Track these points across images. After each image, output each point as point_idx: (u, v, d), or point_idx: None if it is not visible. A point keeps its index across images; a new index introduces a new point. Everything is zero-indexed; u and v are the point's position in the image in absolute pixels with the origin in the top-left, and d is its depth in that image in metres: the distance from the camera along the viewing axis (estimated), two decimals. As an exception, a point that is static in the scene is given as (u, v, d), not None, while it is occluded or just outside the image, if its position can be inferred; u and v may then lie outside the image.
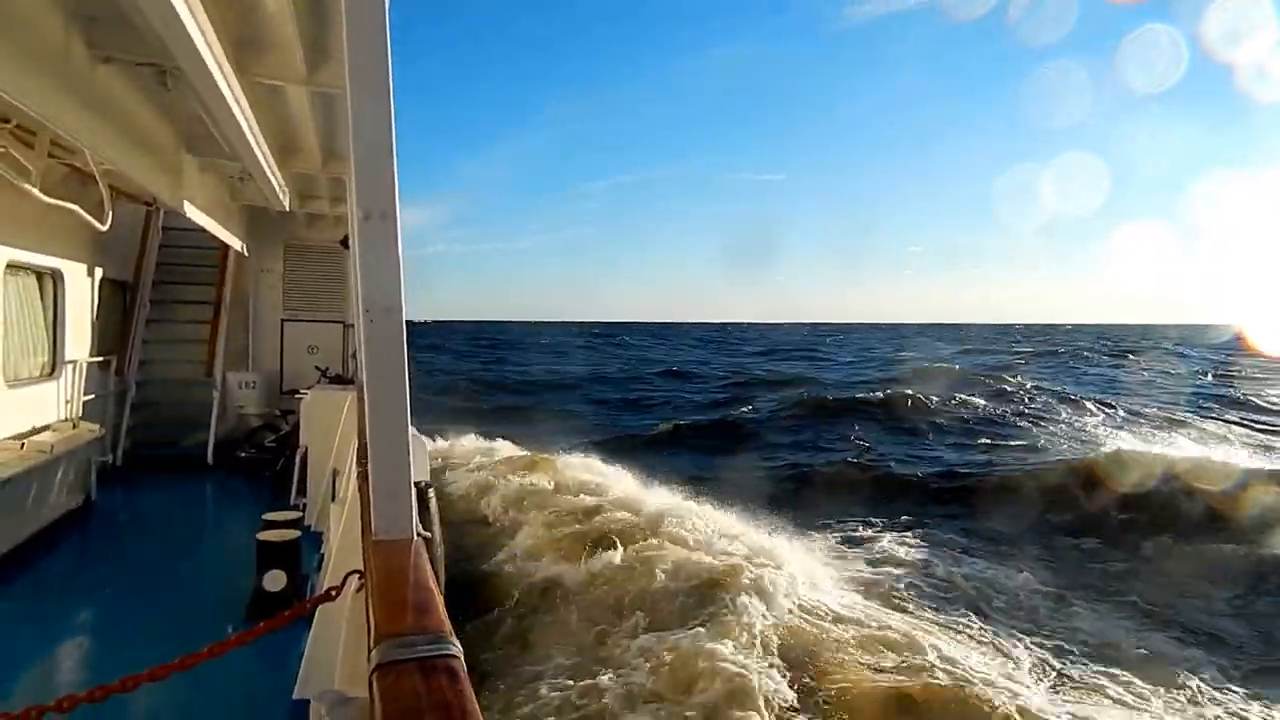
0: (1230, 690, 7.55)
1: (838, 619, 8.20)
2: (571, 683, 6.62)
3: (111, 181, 5.62)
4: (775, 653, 7.23)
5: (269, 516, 5.24)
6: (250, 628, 1.94)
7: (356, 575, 2.06)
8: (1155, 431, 21.54)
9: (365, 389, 1.91)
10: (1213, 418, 24.65)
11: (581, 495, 12.34)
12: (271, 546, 4.77)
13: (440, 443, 17.40)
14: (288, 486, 7.31)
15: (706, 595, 8.25)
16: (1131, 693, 7.25)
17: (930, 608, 9.10)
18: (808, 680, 6.87)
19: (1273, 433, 22.47)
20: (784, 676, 6.79)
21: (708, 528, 10.56)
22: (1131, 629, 9.04)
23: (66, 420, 7.13)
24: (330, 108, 5.26)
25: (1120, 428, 22.28)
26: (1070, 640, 8.40)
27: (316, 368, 9.80)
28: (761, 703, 6.31)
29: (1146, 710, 6.98)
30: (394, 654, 1.25)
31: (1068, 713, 6.59)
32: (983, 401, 26.26)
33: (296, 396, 8.49)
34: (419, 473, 2.01)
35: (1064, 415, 24.66)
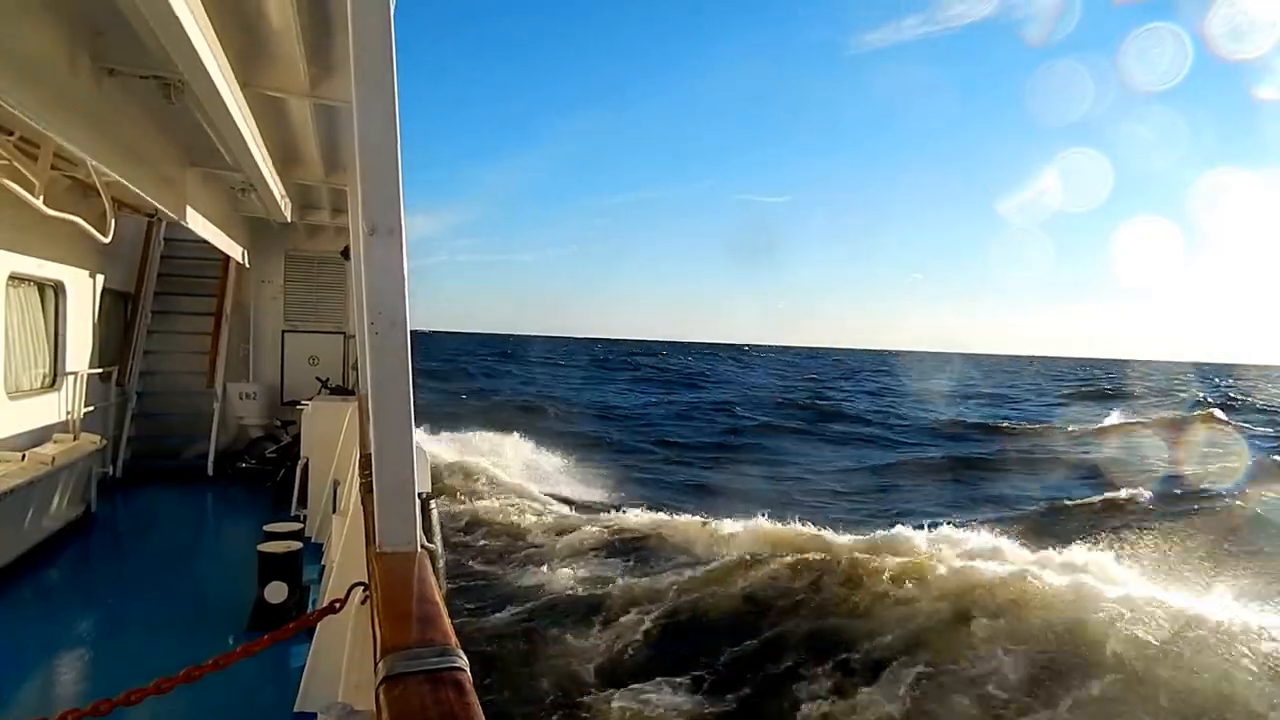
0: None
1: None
2: None
3: (114, 193, 5.63)
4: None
5: (270, 528, 5.24)
6: (252, 639, 1.93)
7: (361, 587, 2.05)
8: None
9: (370, 400, 1.91)
10: None
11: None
12: (273, 558, 4.76)
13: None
14: (288, 497, 7.31)
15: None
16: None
17: None
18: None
19: None
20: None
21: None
22: None
23: (67, 431, 7.13)
24: (332, 120, 5.27)
25: None
26: None
27: (317, 379, 9.80)
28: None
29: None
30: (401, 667, 1.26)
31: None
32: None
33: (297, 407, 8.50)
34: (421, 484, 2.00)
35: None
